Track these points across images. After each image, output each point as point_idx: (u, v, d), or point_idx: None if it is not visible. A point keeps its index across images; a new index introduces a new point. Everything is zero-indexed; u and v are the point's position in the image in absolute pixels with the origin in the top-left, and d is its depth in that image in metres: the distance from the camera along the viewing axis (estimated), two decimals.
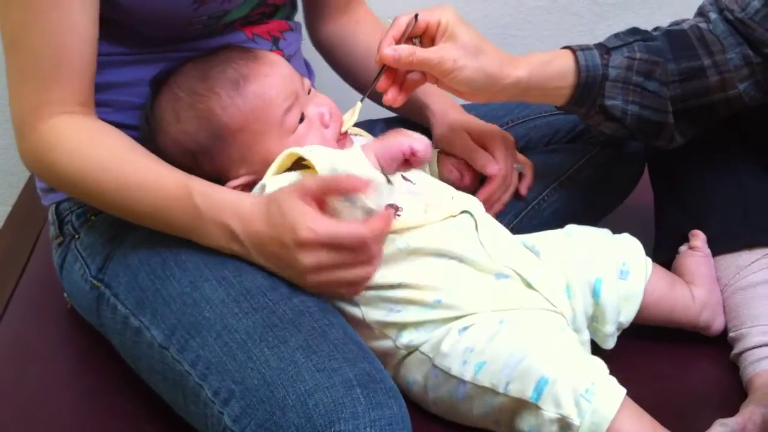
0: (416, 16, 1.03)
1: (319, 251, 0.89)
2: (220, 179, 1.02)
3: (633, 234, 1.13)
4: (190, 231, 0.96)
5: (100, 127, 0.99)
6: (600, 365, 0.94)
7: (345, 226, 0.90)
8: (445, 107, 1.22)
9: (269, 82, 1.02)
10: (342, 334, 0.89)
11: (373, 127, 1.25)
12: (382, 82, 1.04)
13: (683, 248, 1.15)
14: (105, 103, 1.03)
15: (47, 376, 1.10)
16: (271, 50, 1.11)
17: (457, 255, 1.01)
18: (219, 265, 0.95)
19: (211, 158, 1.03)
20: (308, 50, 1.29)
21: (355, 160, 1.00)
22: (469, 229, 1.04)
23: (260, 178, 1.01)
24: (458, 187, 1.12)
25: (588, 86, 1.08)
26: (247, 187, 1.03)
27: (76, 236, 1.08)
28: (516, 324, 0.97)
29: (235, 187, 1.02)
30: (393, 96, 1.05)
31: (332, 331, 0.89)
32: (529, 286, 1.03)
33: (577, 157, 1.26)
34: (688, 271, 1.13)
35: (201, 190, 0.95)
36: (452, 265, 1.01)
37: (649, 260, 1.10)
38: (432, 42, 1.04)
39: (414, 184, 1.06)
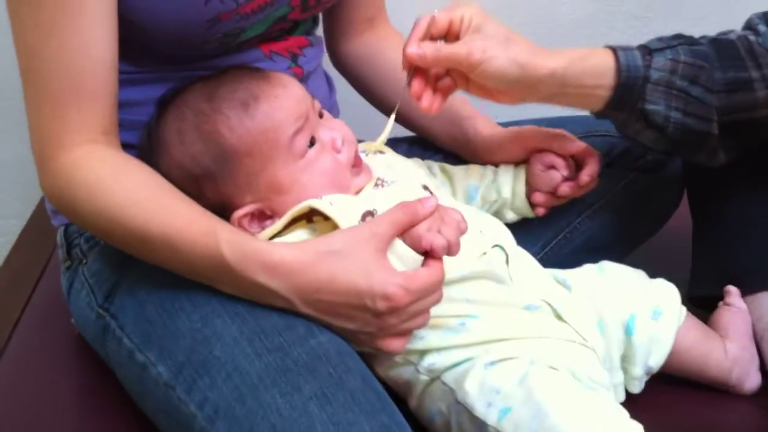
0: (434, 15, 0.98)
1: (407, 309, 0.87)
2: (224, 208, 0.97)
3: (669, 262, 1.09)
4: (224, 286, 0.90)
5: (125, 160, 0.93)
6: (634, 429, 0.88)
7: (426, 273, 0.87)
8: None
9: (280, 103, 0.97)
10: (360, 382, 0.85)
11: (396, 147, 1.20)
12: (414, 87, 0.99)
13: (720, 304, 1.10)
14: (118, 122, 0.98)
15: (51, 404, 1.06)
16: (289, 67, 1.07)
17: (485, 299, 0.97)
18: (232, 299, 0.90)
19: (215, 184, 0.97)
20: (329, 64, 1.26)
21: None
22: (499, 264, 0.99)
23: (267, 207, 0.97)
24: (555, 187, 1.10)
25: (628, 87, 1.01)
26: (254, 217, 0.98)
27: (84, 261, 1.04)
28: (547, 369, 0.92)
29: (241, 217, 0.97)
30: (429, 101, 1.00)
31: (350, 377, 0.84)
32: (559, 317, 0.99)
33: (612, 183, 1.20)
34: (722, 325, 1.08)
35: (229, 238, 0.88)
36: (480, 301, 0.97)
37: (683, 308, 1.06)
38: (457, 39, 0.99)
39: None
